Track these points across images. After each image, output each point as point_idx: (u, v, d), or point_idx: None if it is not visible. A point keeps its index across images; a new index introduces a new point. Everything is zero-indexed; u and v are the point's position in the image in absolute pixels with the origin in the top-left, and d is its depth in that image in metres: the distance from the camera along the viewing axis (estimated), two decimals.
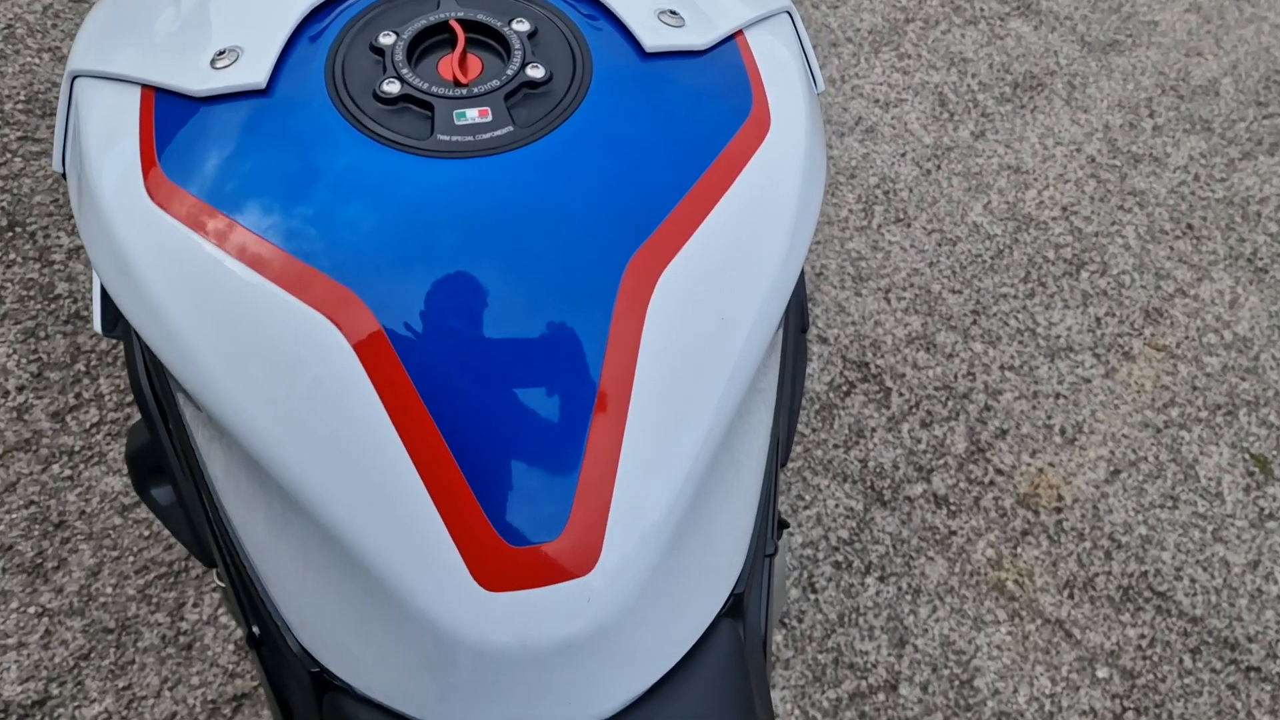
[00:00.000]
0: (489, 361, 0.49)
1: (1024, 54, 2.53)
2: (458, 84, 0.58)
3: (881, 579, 1.69)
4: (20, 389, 1.52)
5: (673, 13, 0.63)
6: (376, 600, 0.49)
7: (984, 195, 2.25)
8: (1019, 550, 1.78)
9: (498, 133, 0.56)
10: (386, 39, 0.59)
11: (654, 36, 0.62)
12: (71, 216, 1.69)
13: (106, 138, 0.57)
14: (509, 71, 0.59)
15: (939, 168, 2.27)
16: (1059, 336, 2.05)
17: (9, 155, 1.74)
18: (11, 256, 1.64)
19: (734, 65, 0.63)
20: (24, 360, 1.55)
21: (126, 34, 0.63)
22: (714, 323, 0.52)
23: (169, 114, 0.57)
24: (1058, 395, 1.98)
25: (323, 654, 0.54)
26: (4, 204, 1.68)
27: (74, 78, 0.63)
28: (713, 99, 0.60)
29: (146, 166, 0.55)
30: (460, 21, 0.59)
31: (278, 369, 0.49)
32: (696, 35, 0.62)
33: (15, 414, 1.50)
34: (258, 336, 0.49)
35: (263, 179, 0.53)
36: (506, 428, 0.48)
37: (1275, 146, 2.53)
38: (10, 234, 1.66)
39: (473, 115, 0.56)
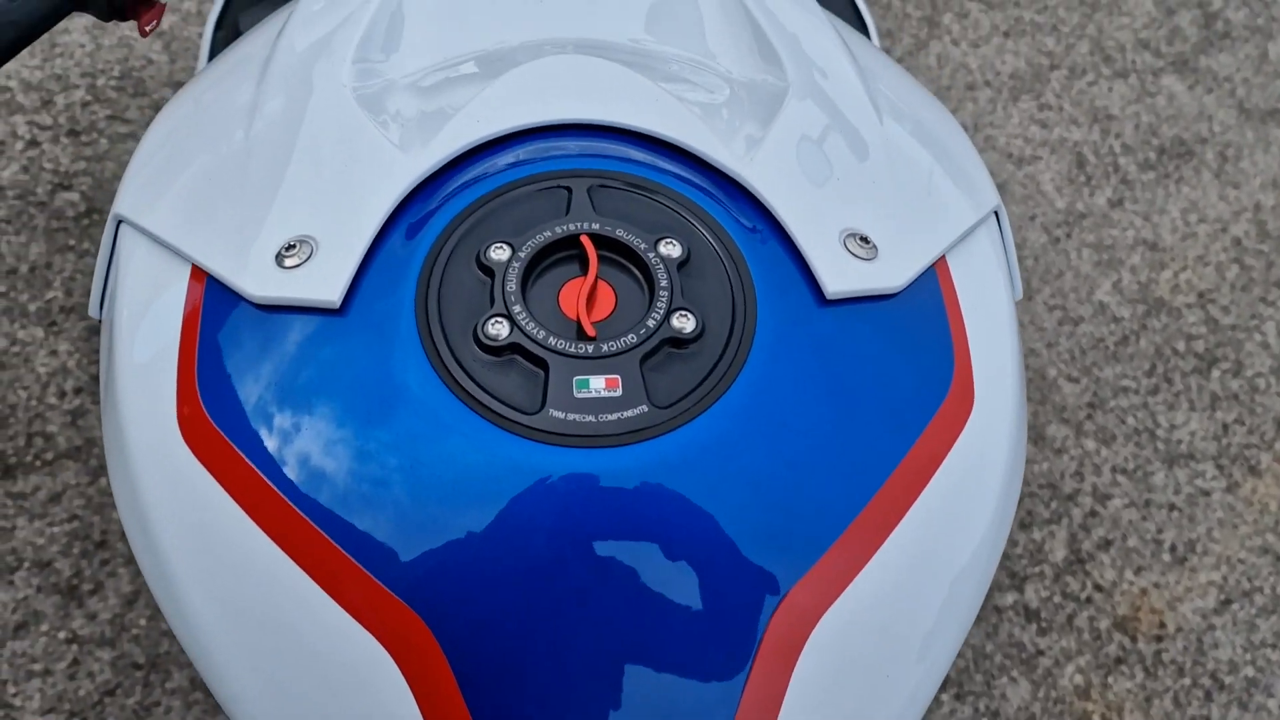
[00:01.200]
0: None
1: (1175, 116, 2.32)
2: (582, 334, 0.45)
3: (959, 697, 1.55)
4: (78, 391, 1.46)
5: (863, 240, 0.50)
6: None
7: (1115, 272, 2.07)
8: (1110, 680, 1.63)
9: (628, 414, 0.43)
10: (498, 252, 0.46)
11: (839, 278, 0.48)
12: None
13: (145, 328, 0.47)
14: (651, 321, 0.45)
15: (1069, 236, 2.09)
16: (1180, 441, 1.88)
17: (96, 134, 1.67)
18: (85, 245, 1.57)
19: (932, 312, 0.50)
20: (85, 360, 1.48)
21: (183, 179, 0.53)
22: (877, 682, 0.40)
23: (219, 315, 0.46)
24: (1172, 507, 1.81)
25: None
26: (84, 187, 1.61)
27: (119, 222, 0.53)
28: (906, 369, 0.47)
29: (184, 394, 0.44)
30: (594, 237, 0.46)
31: (309, 690, 0.38)
32: (891, 271, 0.49)
33: (70, 418, 1.44)
34: (291, 646, 0.39)
35: (322, 438, 0.42)
36: None
37: None
38: (86, 220, 1.59)
39: (598, 385, 0.44)
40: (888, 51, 2.21)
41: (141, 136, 0.60)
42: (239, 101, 0.54)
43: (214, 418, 0.42)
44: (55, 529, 1.35)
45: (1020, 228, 2.08)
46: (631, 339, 0.44)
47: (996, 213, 0.58)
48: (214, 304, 0.46)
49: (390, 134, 0.49)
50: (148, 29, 0.58)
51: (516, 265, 0.45)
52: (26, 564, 1.32)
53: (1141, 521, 1.78)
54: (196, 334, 0.45)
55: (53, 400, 1.45)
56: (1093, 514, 1.77)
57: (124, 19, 0.57)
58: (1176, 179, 2.23)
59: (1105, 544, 1.74)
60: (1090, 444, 1.84)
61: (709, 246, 0.47)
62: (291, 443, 0.42)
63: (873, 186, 0.52)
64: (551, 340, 0.44)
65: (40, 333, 1.49)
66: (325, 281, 0.45)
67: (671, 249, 0.47)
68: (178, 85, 1.73)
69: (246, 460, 0.41)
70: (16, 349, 1.48)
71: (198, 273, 0.47)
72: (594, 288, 0.45)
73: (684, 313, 0.45)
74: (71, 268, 1.55)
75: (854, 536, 0.41)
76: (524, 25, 0.55)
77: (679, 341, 0.45)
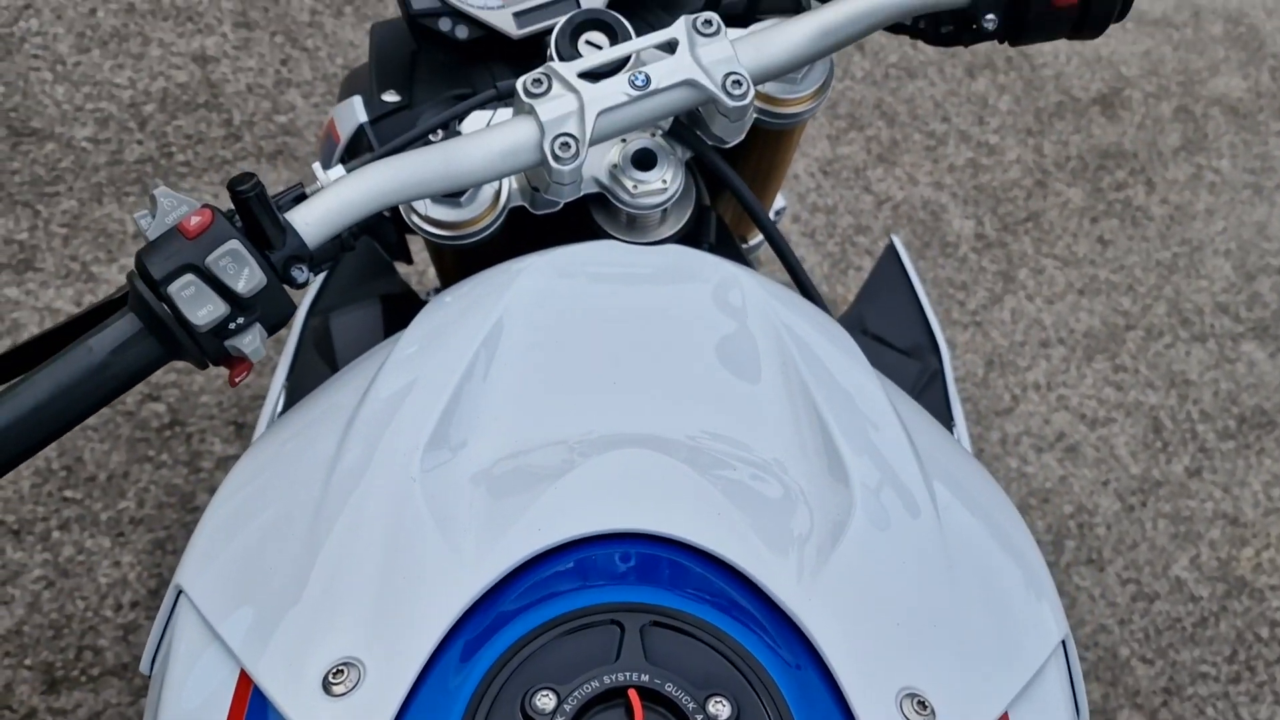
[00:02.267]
0: None
1: (1255, 384, 2.29)
2: None
3: None
4: (134, 605, 1.47)
5: (921, 704, 0.48)
6: None
7: (1192, 546, 2.00)
8: None
9: None
10: (544, 700, 0.46)
11: None
12: (230, 422, 1.67)
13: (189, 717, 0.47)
14: None
15: (1144, 505, 2.04)
16: None
17: None
18: (163, 457, 1.62)
19: None
20: (145, 574, 1.50)
21: (241, 562, 0.54)
22: None
23: None
24: None
25: None
26: (171, 399, 1.68)
27: (179, 592, 0.54)
28: None
29: None
30: (642, 690, 0.46)
31: None
32: None
33: (122, 633, 1.45)
34: None
35: None
36: None
37: None
38: (168, 432, 1.65)
39: None
40: (961, 305, 2.23)
41: (217, 488, 0.62)
42: (319, 458, 0.56)
43: None
44: None
45: (1092, 493, 2.03)
46: None
47: (1064, 642, 0.56)
48: (258, 717, 0.46)
49: (453, 537, 0.50)
50: (237, 380, 0.61)
51: (564, 715, 0.44)
52: None
53: None
54: None
55: (108, 613, 1.46)
56: None
57: (218, 364, 0.60)
58: (1258, 450, 2.18)
59: None
60: None
61: (759, 707, 0.46)
62: None
63: (934, 629, 0.51)
64: None
65: (107, 542, 1.52)
66: (370, 714, 0.45)
67: (720, 709, 0.46)
68: None
69: None
70: (82, 558, 1.51)
71: (245, 682, 0.48)
72: None
73: None
74: (147, 479, 1.59)
75: None
76: (599, 411, 0.57)
77: None
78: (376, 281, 0.97)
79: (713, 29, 0.69)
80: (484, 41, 0.82)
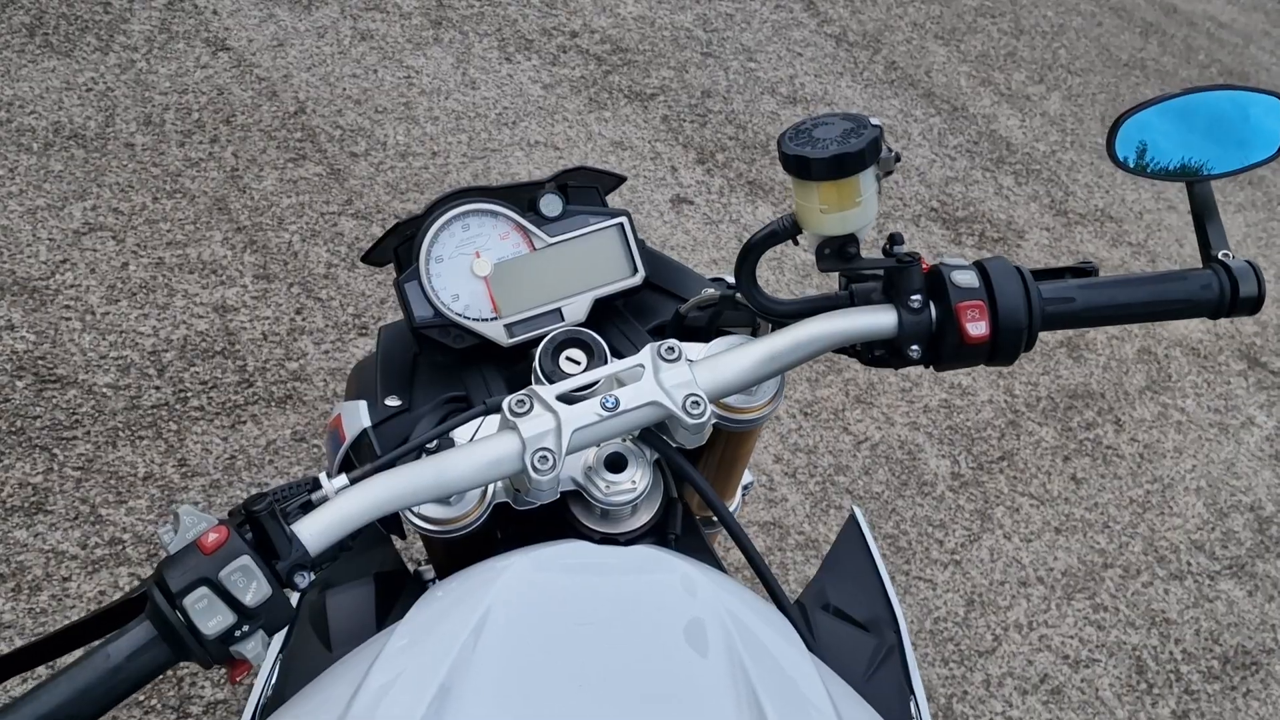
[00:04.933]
0: None
1: (1236, 623, 2.31)
2: None
3: None
4: None
5: None
6: None
7: None
8: None
9: None
10: None
11: None
12: (226, 682, 1.69)
13: None
14: None
15: None
16: None
17: None
18: (152, 701, 1.64)
19: None
20: None
21: None
22: None
23: None
24: None
25: None
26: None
27: None
28: None
29: None
30: None
31: None
32: None
33: None
34: None
35: None
36: None
37: None
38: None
39: None
40: (940, 544, 2.29)
41: None
42: None
43: None
44: None
45: None
46: None
47: None
48: None
49: None
50: (238, 679, 0.68)
51: None
52: None
53: None
54: None
55: None
56: None
57: (222, 665, 0.67)
58: (1244, 692, 2.18)
59: None
60: None
61: None
62: None
63: None
64: None
65: None
66: None
67: None
68: None
69: None
70: None
71: None
72: None
73: None
74: None
75: None
76: (567, 715, 0.64)
77: None
78: (372, 552, 1.04)
79: (674, 355, 0.80)
80: (478, 348, 0.93)
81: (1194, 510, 2.55)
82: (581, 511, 0.86)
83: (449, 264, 0.92)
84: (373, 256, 0.97)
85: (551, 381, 0.82)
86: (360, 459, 0.89)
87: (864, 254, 0.82)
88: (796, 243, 0.83)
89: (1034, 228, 3.30)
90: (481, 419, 0.83)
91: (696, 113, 3.27)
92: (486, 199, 0.93)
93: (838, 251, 0.80)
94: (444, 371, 0.95)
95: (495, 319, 0.93)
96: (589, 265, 0.95)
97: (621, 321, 0.97)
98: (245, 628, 0.65)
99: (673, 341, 0.80)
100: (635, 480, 0.84)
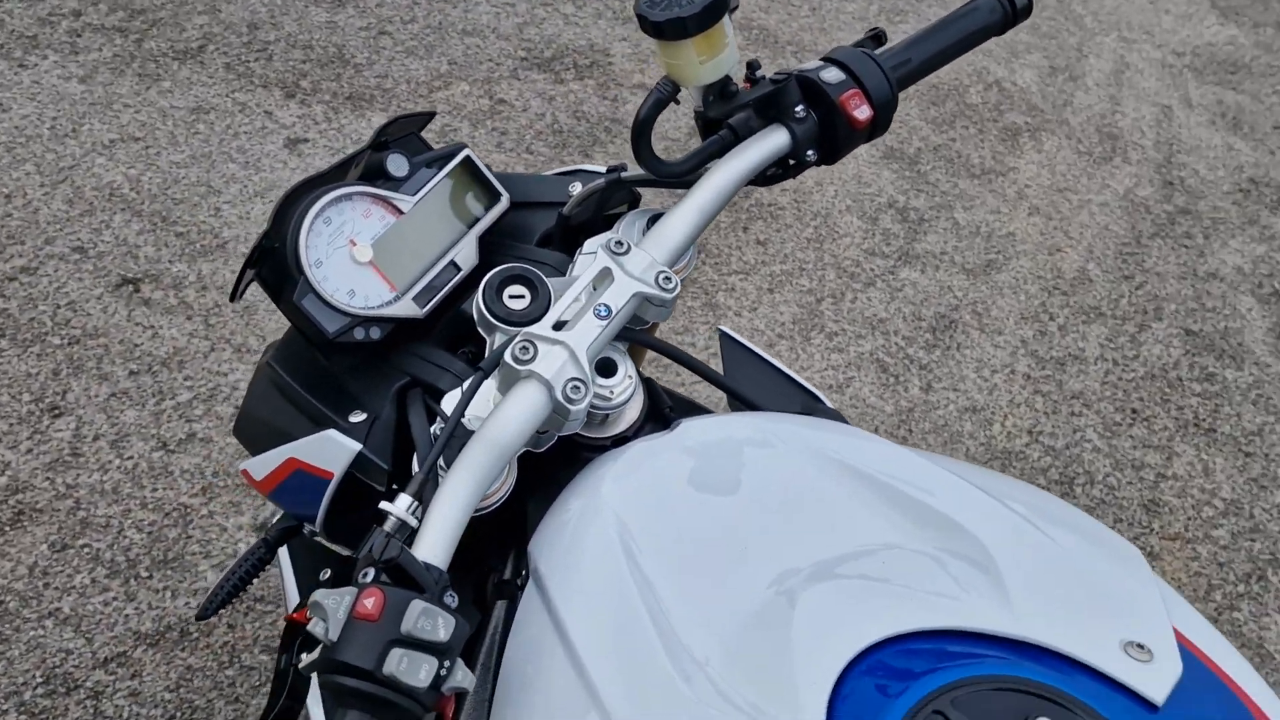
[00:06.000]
0: None
1: (924, 298, 2.73)
2: None
3: None
4: None
5: (1139, 646, 0.65)
6: None
7: (960, 444, 2.36)
8: None
9: None
10: None
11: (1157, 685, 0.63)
12: None
13: None
14: None
15: (911, 432, 2.38)
16: None
17: None
18: None
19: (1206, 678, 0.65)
20: None
21: None
22: None
23: None
24: None
25: None
26: None
27: None
28: None
29: None
30: None
31: None
32: (1165, 671, 0.65)
33: None
34: None
35: None
36: None
37: (1159, 312, 2.80)
38: None
39: None
40: (691, 346, 2.47)
41: None
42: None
43: None
44: None
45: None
46: None
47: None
48: None
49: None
50: (450, 714, 0.66)
51: None
52: None
53: None
54: None
55: None
56: None
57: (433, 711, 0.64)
58: (957, 347, 2.61)
59: None
60: None
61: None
62: None
63: (1091, 590, 0.68)
64: None
65: None
66: None
67: None
68: None
69: None
70: None
71: None
72: None
73: None
74: None
75: None
76: (752, 564, 0.69)
77: None
78: None
79: (624, 248, 0.82)
80: (394, 332, 0.89)
81: (853, 226, 2.92)
82: (586, 428, 0.87)
83: (330, 263, 0.86)
84: (241, 293, 0.88)
85: (510, 323, 0.82)
86: (368, 478, 0.84)
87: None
88: (678, 102, 0.87)
89: (614, 42, 3.45)
90: (477, 386, 0.81)
91: (255, 49, 3.04)
92: (333, 186, 0.87)
93: (720, 94, 0.85)
94: (372, 370, 0.90)
95: (398, 297, 0.89)
96: (457, 208, 0.93)
97: (511, 247, 0.96)
98: (448, 663, 0.62)
99: (617, 236, 0.82)
100: (629, 374, 0.86)
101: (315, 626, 0.62)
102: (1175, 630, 0.67)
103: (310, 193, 0.86)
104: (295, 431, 0.88)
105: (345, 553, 1.01)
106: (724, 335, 1.20)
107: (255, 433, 0.95)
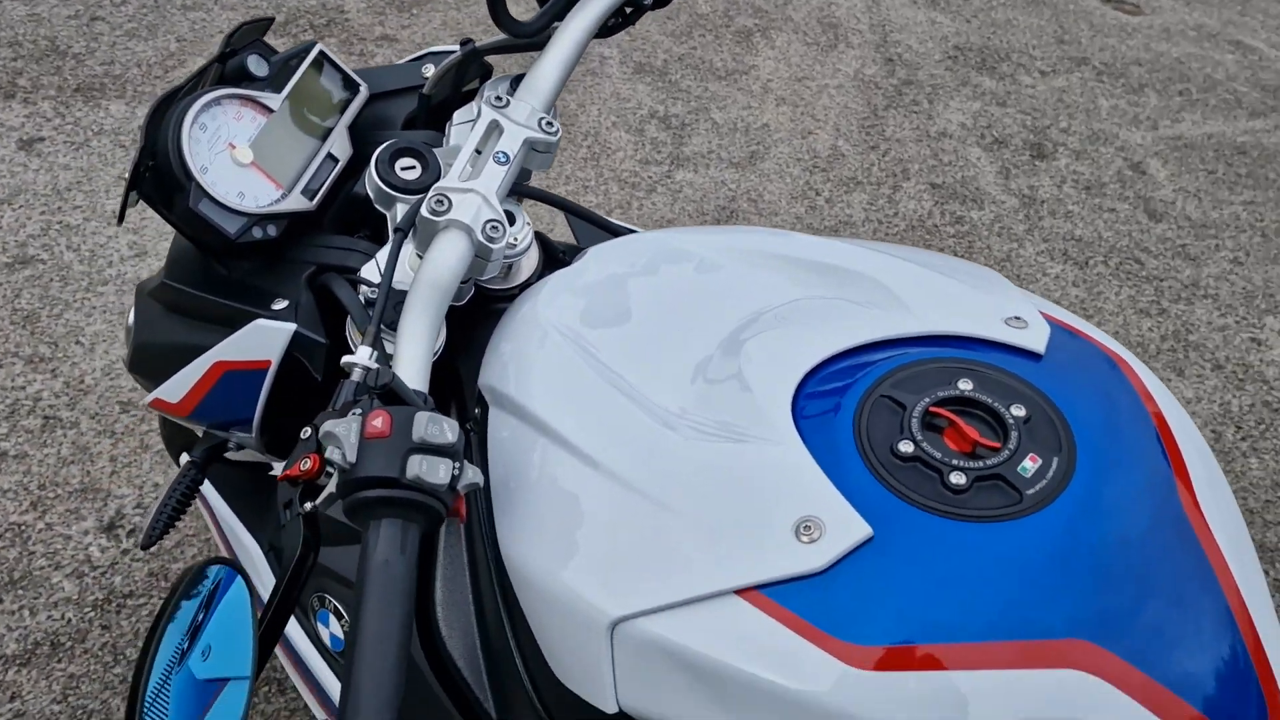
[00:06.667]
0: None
1: (703, 195, 2.89)
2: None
3: None
4: None
5: (1017, 319, 0.79)
6: None
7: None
8: None
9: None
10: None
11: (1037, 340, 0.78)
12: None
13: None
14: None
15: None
16: None
17: None
18: None
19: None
20: None
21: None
22: None
23: None
24: None
25: None
26: None
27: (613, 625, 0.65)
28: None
29: None
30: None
31: None
32: (1037, 335, 0.79)
33: None
34: None
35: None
36: None
37: (906, 173, 3.08)
38: None
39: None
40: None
41: None
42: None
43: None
44: None
45: None
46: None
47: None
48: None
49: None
50: (464, 514, 0.71)
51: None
52: None
53: None
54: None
55: None
56: None
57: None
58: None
59: None
60: None
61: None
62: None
63: (968, 282, 0.82)
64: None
65: None
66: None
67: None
68: None
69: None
70: None
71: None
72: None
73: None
74: None
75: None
76: (707, 323, 0.80)
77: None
78: None
79: (503, 101, 0.87)
80: (288, 228, 0.90)
81: (624, 140, 3.03)
82: (492, 283, 0.93)
83: (215, 169, 0.87)
84: (126, 214, 0.86)
85: (409, 191, 0.85)
86: (308, 359, 0.86)
87: None
88: None
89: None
90: (399, 246, 0.83)
91: None
92: (202, 93, 0.87)
93: None
94: (270, 270, 0.91)
95: (286, 193, 0.90)
96: (322, 102, 0.95)
97: (381, 136, 0.99)
98: (458, 464, 0.67)
99: (496, 90, 0.88)
100: (527, 221, 0.92)
101: (332, 454, 0.65)
102: (1039, 310, 0.82)
103: (177, 104, 0.86)
104: (207, 342, 0.88)
105: (273, 462, 1.02)
106: (569, 218, 1.27)
107: (158, 360, 0.94)
